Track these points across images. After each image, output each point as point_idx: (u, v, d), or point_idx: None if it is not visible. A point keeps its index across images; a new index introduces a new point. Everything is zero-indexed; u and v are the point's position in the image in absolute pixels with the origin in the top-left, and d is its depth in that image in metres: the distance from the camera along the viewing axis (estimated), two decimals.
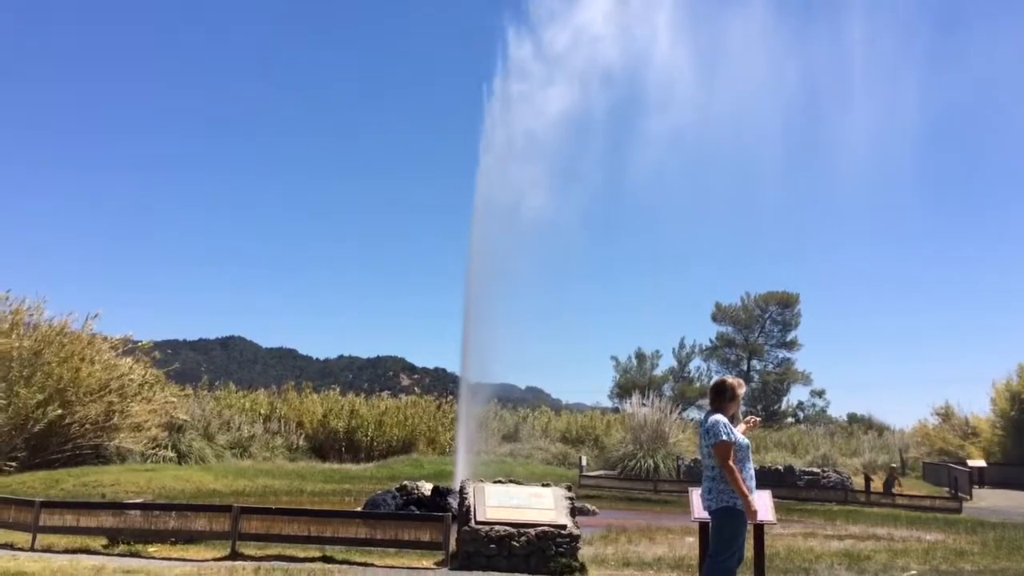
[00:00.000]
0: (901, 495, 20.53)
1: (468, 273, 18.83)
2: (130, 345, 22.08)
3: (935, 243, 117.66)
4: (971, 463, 28.20)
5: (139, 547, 8.86)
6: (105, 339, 21.41)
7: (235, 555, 8.63)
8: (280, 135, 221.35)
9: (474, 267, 18.76)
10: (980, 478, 26.56)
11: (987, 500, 21.71)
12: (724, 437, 5.42)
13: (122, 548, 8.86)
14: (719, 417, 5.54)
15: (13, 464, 17.69)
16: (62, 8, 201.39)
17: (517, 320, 19.69)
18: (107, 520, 9.17)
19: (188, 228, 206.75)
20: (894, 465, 19.08)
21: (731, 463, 5.38)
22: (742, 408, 6.11)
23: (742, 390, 5.81)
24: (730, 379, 5.82)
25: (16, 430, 18.18)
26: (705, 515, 7.59)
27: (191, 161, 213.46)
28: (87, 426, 19.60)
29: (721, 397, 5.69)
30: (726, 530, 5.47)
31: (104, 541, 9.09)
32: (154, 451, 20.89)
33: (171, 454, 21.41)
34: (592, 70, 21.93)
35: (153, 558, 8.56)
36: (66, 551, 8.92)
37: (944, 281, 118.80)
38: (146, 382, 21.96)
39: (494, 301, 18.49)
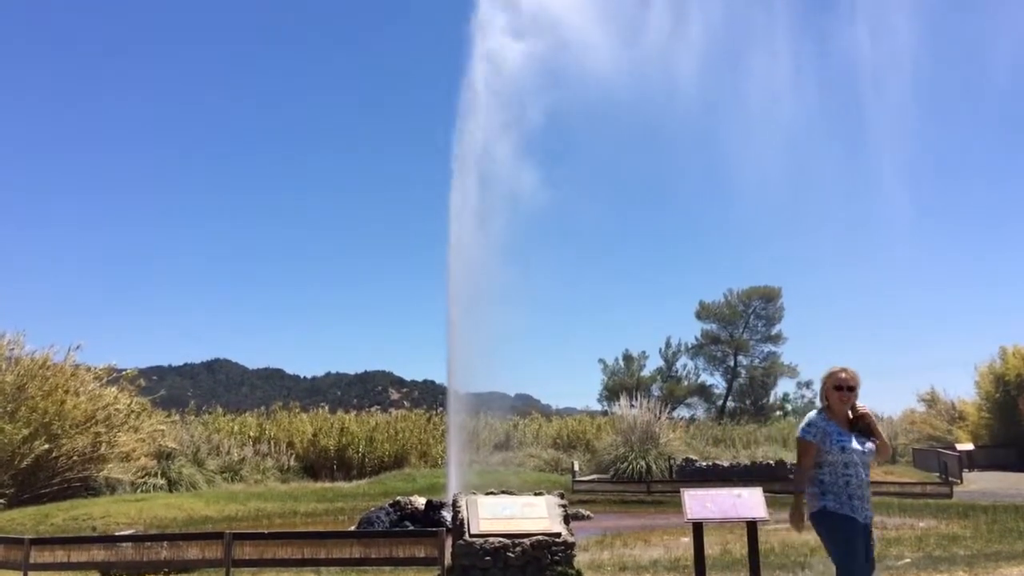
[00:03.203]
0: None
1: (449, 283, 18.89)
2: (114, 374, 21.84)
3: (913, 228, 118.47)
4: (959, 447, 28.43)
5: None
6: (88, 369, 21.19)
7: None
8: (259, 153, 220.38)
9: (455, 277, 18.82)
10: (969, 461, 26.77)
11: (977, 483, 21.89)
12: (798, 434, 5.07)
13: None
14: (810, 414, 5.16)
15: (1, 501, 17.48)
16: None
17: (501, 328, 19.68)
18: (98, 554, 9.05)
19: (168, 252, 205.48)
20: None
21: (804, 461, 4.99)
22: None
23: (834, 380, 5.05)
24: (833, 369, 5.12)
25: (2, 466, 17.98)
26: (697, 516, 7.67)
27: (168, 182, 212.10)
28: (75, 459, 19.41)
29: (822, 391, 5.18)
30: (824, 537, 4.98)
31: None
32: (144, 480, 20.72)
33: (161, 482, 21.25)
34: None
35: None
36: None
37: (922, 267, 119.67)
38: (132, 411, 21.73)
39: (477, 310, 18.56)
